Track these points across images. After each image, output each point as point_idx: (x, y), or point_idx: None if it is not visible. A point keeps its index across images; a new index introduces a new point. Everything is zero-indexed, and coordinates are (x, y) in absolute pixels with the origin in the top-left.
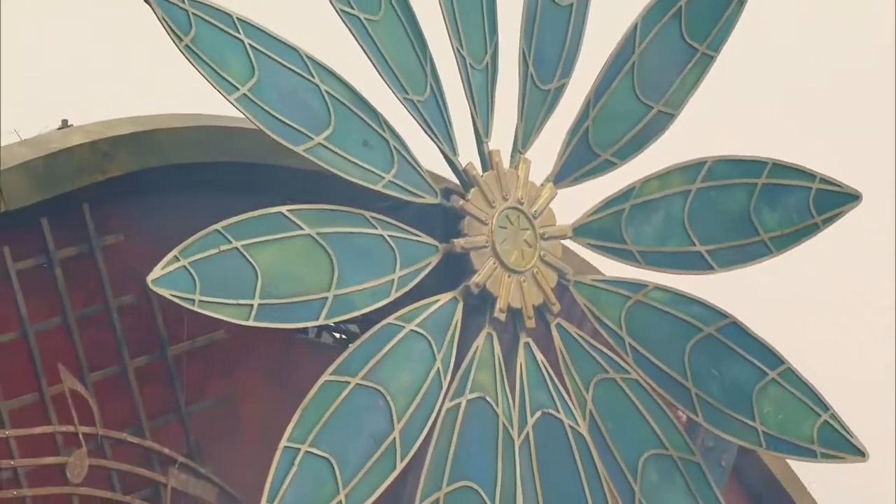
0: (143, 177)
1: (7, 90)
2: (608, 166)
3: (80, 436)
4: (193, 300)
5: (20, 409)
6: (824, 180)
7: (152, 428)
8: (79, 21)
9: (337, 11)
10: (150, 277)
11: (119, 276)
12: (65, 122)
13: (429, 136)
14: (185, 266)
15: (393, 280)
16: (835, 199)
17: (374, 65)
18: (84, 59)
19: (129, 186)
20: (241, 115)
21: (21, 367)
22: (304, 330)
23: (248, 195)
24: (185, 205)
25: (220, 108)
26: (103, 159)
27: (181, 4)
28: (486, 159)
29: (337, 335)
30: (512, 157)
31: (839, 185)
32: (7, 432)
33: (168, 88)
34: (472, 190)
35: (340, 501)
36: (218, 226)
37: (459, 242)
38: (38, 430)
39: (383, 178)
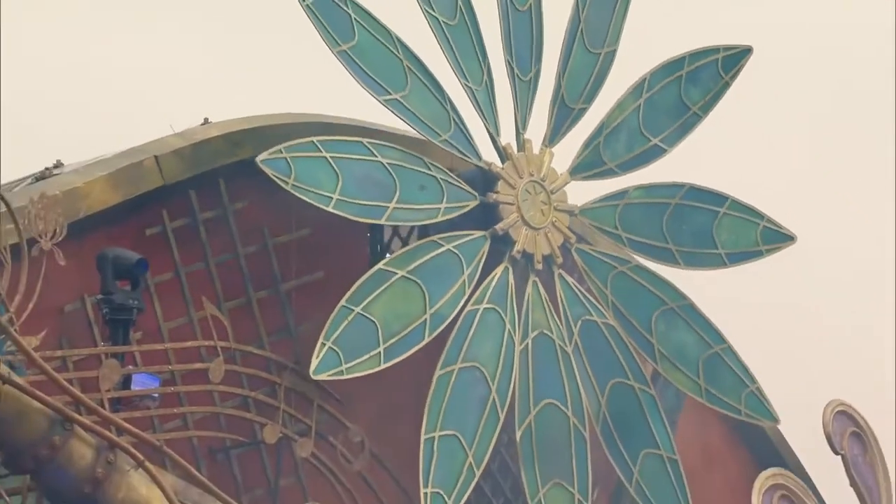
0: None
1: (161, 94)
2: (582, 113)
3: (218, 348)
4: (342, 371)
5: (175, 329)
6: (726, 48)
7: (270, 342)
8: (215, 41)
9: (381, 103)
10: (311, 369)
11: (245, 232)
12: (206, 119)
13: (463, 159)
14: (330, 347)
15: (465, 280)
16: (736, 58)
17: (415, 129)
18: (219, 67)
19: (254, 167)
20: (336, 114)
21: (175, 299)
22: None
23: None
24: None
25: (322, 108)
26: (234, 147)
27: (280, 155)
28: (502, 153)
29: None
30: (517, 140)
31: (736, 47)
32: (166, 345)
33: (284, 90)
34: (499, 182)
35: (470, 463)
36: (342, 301)
37: (502, 226)
38: (188, 344)
39: (439, 208)
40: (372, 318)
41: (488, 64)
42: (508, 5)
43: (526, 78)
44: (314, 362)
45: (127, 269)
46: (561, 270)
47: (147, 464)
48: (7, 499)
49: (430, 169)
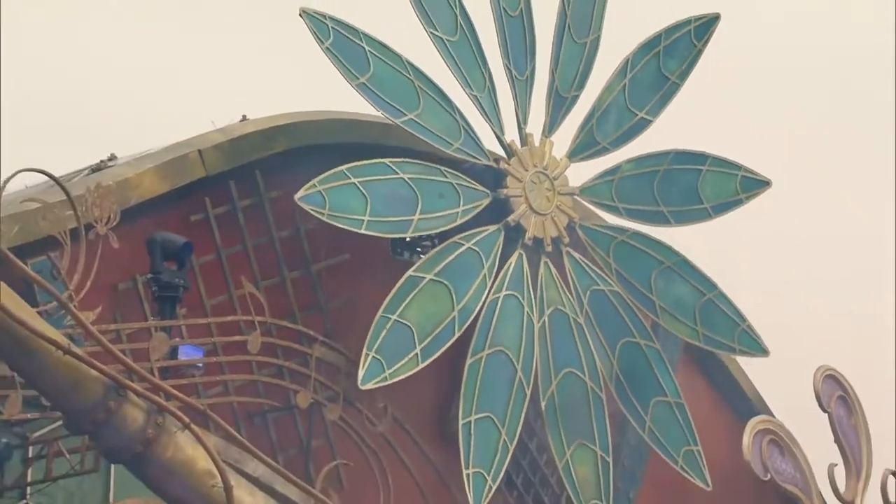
0: (296, 152)
1: (208, 96)
2: (575, 100)
3: (256, 322)
4: (386, 377)
5: (217, 305)
6: (697, 18)
7: (303, 317)
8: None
9: (399, 125)
10: (358, 380)
11: (280, 218)
12: (244, 116)
13: (474, 162)
14: (373, 357)
15: (485, 274)
16: (706, 27)
17: (430, 142)
18: (257, 72)
19: (287, 159)
20: (360, 111)
21: (216, 278)
22: (401, 252)
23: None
24: (323, 171)
25: (349, 106)
26: (269, 141)
27: (315, 188)
28: (508, 150)
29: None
30: (520, 135)
31: (704, 17)
32: (209, 320)
33: (313, 91)
34: (507, 178)
35: (504, 440)
36: (381, 311)
37: (513, 218)
38: (228, 318)
39: (457, 212)
40: (407, 323)
41: (489, 70)
42: (502, 13)
43: (523, 77)
44: (360, 373)
45: (174, 252)
46: (568, 248)
47: (192, 426)
48: (68, 456)
49: (446, 177)
